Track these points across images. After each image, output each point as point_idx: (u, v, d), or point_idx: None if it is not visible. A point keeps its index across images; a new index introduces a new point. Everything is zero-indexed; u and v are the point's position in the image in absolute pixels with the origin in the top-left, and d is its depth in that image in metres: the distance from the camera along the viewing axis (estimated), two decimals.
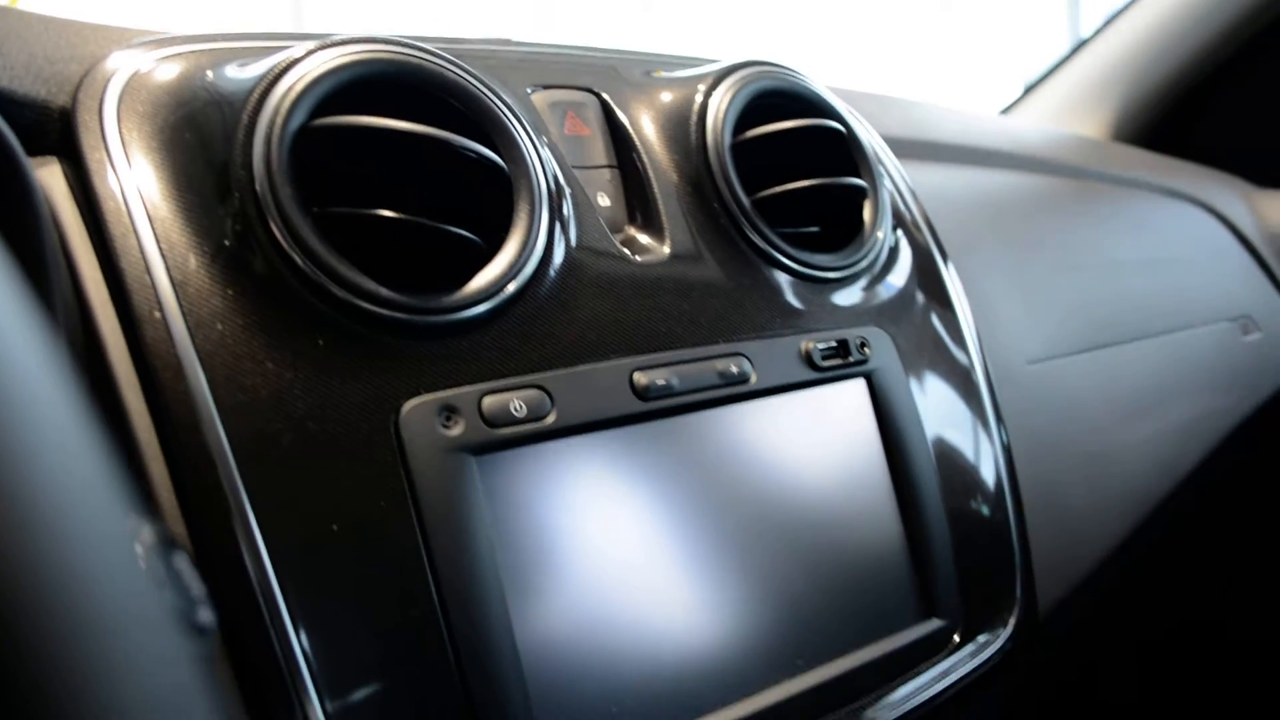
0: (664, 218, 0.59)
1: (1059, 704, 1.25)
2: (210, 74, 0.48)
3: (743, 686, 0.52)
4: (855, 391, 0.62)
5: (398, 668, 0.43)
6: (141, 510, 0.23)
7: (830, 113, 0.67)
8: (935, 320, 0.70)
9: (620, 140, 0.61)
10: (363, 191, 0.46)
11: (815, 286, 0.63)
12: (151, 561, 0.21)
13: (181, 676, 0.20)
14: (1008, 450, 0.71)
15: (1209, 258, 1.23)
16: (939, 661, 0.61)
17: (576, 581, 0.48)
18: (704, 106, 0.63)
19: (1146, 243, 1.15)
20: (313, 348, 0.44)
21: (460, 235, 0.47)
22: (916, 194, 0.77)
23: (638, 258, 0.56)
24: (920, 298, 0.70)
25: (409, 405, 0.45)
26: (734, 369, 0.56)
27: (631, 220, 0.59)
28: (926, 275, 0.72)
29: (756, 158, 0.63)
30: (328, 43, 0.48)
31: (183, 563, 0.27)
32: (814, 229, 0.67)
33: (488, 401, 0.47)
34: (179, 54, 0.49)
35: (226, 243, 0.44)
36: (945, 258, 0.74)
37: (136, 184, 0.44)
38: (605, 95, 0.62)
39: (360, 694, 0.42)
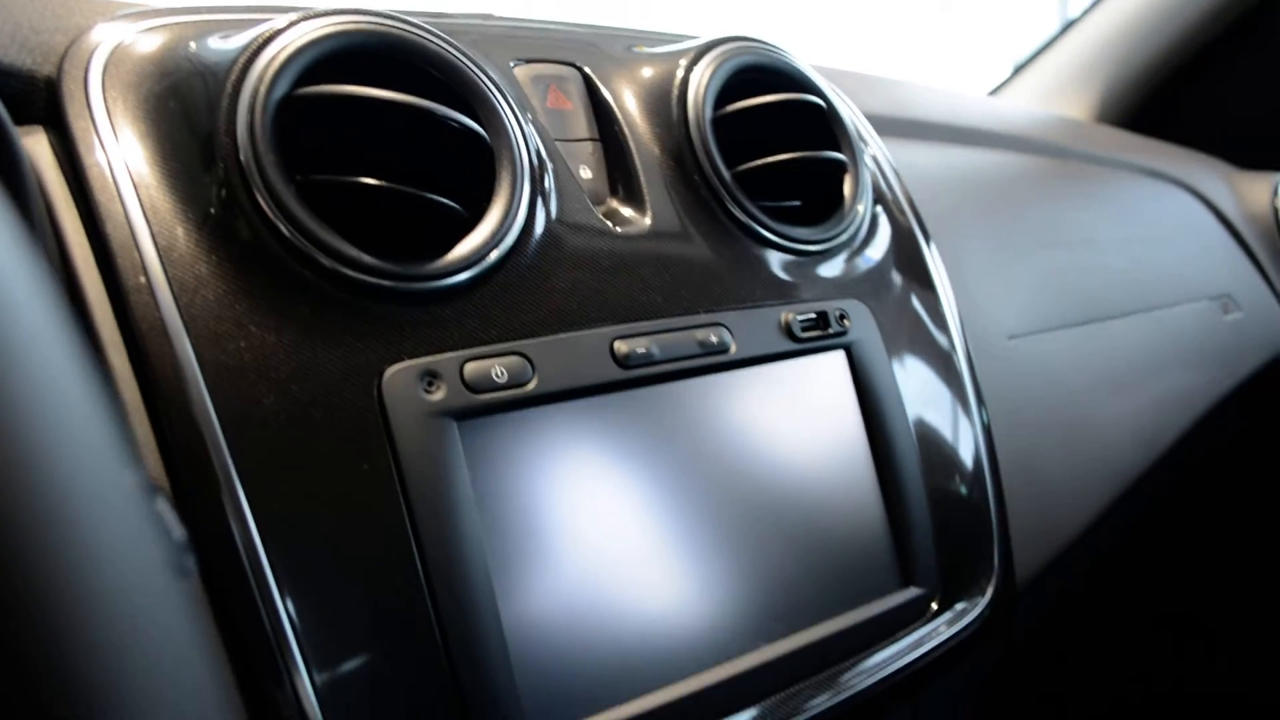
0: (645, 190, 0.59)
1: (1037, 678, 1.27)
2: (194, 44, 0.48)
3: (721, 651, 0.53)
4: (835, 363, 0.62)
5: (382, 631, 0.43)
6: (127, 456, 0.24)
7: (811, 88, 0.68)
8: (915, 294, 0.71)
9: (602, 114, 0.62)
10: (346, 162, 0.47)
11: (795, 259, 0.64)
12: (140, 500, 0.22)
13: (172, 606, 0.21)
14: (986, 422, 0.72)
15: (1190, 237, 1.24)
16: (917, 628, 0.62)
17: (558, 547, 0.49)
18: (685, 81, 0.63)
19: (1128, 222, 1.16)
20: (296, 313, 0.44)
21: (442, 204, 0.48)
22: (898, 171, 0.78)
23: (619, 229, 0.57)
24: (900, 272, 0.71)
25: (392, 370, 0.46)
26: (714, 339, 0.56)
27: (613, 193, 0.60)
28: (907, 250, 0.72)
29: (738, 132, 0.64)
30: (311, 14, 0.49)
31: (164, 507, 0.28)
32: (795, 203, 0.67)
33: (470, 367, 0.47)
34: (163, 25, 0.49)
35: (211, 210, 0.44)
36: (926, 233, 0.75)
37: (122, 152, 0.44)
38: (588, 69, 0.62)
39: (347, 662, 0.42)
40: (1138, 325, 1.03)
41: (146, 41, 0.48)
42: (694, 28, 0.70)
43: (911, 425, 0.65)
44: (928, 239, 0.75)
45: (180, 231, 0.44)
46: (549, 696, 0.47)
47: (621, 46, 0.66)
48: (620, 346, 0.53)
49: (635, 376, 0.53)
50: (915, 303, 0.70)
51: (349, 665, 0.42)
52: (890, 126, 0.92)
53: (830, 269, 0.65)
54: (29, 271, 0.21)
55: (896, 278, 0.70)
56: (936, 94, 1.16)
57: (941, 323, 0.72)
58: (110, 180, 0.44)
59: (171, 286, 0.43)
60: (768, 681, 0.54)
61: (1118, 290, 1.03)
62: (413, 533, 0.44)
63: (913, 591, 0.62)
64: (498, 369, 0.48)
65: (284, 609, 0.41)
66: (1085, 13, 1.64)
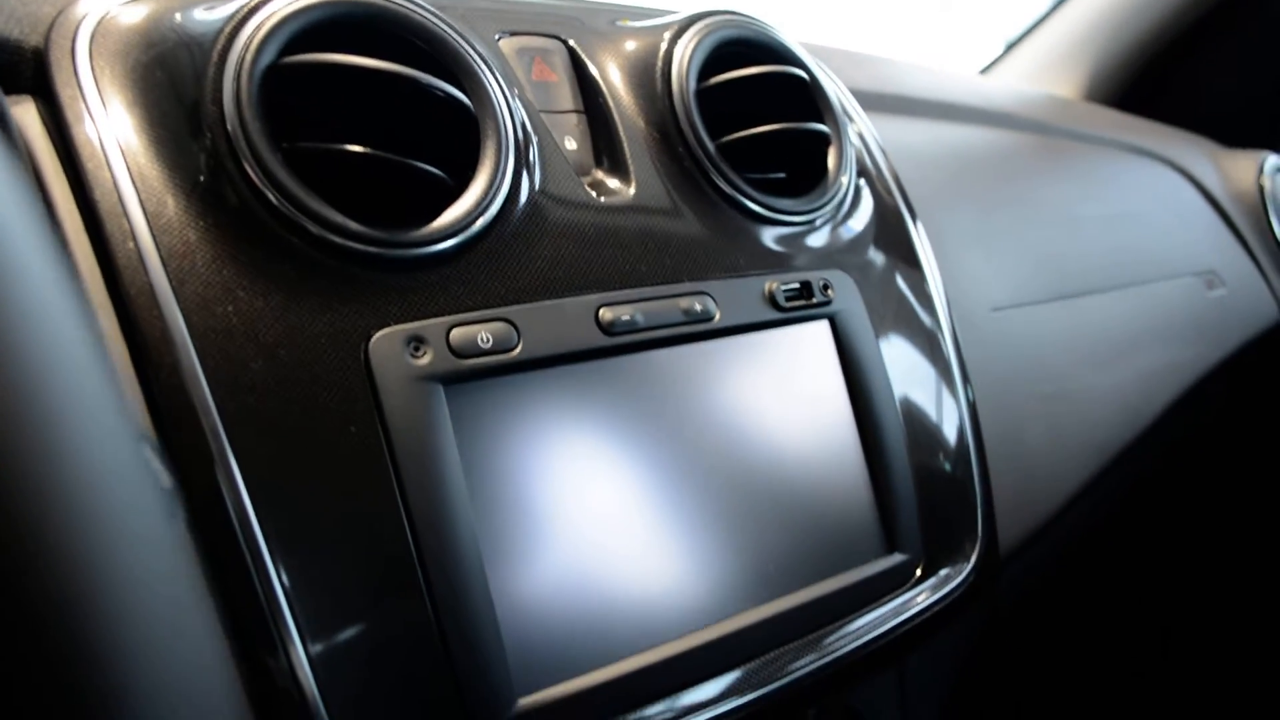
0: (630, 161, 0.60)
1: (1022, 648, 1.28)
2: (180, 14, 0.49)
3: (707, 614, 0.54)
4: (819, 333, 0.63)
5: (371, 593, 0.44)
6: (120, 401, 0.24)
7: (794, 61, 0.69)
8: (899, 265, 0.71)
9: (587, 86, 0.62)
10: (333, 132, 0.47)
11: (779, 230, 0.64)
12: (131, 439, 0.23)
13: (164, 543, 0.22)
14: (970, 392, 0.73)
15: (1175, 214, 1.25)
16: (901, 594, 0.62)
17: (544, 512, 0.49)
18: (669, 53, 0.64)
19: (1114, 198, 1.16)
20: (284, 279, 0.45)
21: (428, 171, 0.48)
22: (884, 146, 0.78)
23: (604, 200, 0.57)
24: (884, 243, 0.71)
25: (378, 335, 0.46)
26: (698, 307, 0.57)
27: (598, 164, 0.61)
28: (890, 222, 0.73)
29: (722, 105, 0.64)
30: None
31: (151, 454, 0.29)
32: (780, 175, 0.68)
33: (455, 333, 0.48)
34: None
35: (200, 178, 0.45)
36: (910, 206, 0.76)
37: (110, 121, 0.45)
38: (572, 42, 0.63)
39: (338, 626, 0.43)
40: (1122, 300, 1.04)
41: (133, 11, 0.48)
42: (684, 7, 0.70)
43: (895, 394, 0.65)
44: (912, 212, 0.76)
45: (169, 199, 0.44)
46: (536, 657, 0.47)
47: (606, 20, 0.67)
48: (605, 313, 0.53)
49: (620, 343, 0.53)
50: (899, 273, 0.71)
51: (340, 629, 0.43)
52: (877, 102, 0.92)
53: (814, 240, 0.66)
54: (33, 225, 0.22)
55: (881, 249, 0.71)
56: (924, 72, 1.17)
57: (925, 293, 0.72)
58: (99, 149, 0.44)
59: (160, 253, 0.43)
60: (752, 644, 0.55)
61: (1102, 265, 1.04)
62: (400, 496, 0.45)
63: (897, 558, 0.63)
64: (483, 334, 0.49)
65: (275, 573, 0.41)
66: None
